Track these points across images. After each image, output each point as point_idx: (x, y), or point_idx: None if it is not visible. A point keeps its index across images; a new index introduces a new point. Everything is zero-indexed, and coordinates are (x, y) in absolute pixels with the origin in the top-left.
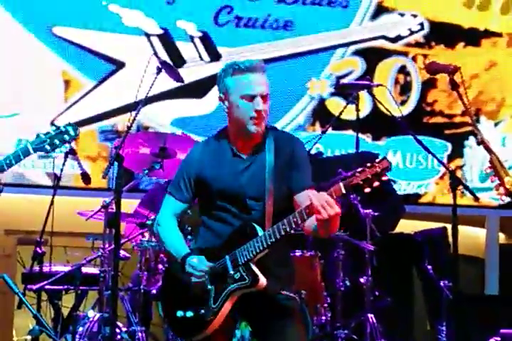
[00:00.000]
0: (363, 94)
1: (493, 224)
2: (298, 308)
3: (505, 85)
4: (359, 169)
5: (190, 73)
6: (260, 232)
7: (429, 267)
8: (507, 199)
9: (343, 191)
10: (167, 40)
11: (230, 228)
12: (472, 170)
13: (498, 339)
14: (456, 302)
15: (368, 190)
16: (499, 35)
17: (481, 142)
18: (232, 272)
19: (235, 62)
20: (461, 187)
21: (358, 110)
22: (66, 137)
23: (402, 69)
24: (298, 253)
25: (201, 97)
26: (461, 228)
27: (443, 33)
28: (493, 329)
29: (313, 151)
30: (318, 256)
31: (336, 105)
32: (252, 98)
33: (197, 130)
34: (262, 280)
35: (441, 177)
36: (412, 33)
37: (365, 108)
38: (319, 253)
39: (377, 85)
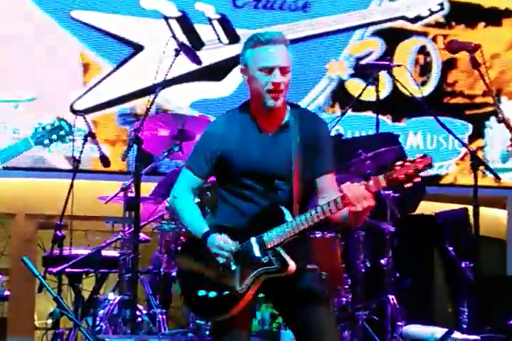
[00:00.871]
0: (383, 75)
1: None
2: (325, 289)
3: None
4: (399, 163)
5: (209, 55)
6: (288, 216)
7: (451, 248)
8: None
9: (384, 184)
10: (185, 22)
11: (255, 207)
12: (493, 151)
13: None
14: (478, 284)
15: (408, 185)
16: None
17: (502, 120)
18: (259, 255)
19: (256, 34)
20: (482, 167)
21: (377, 91)
22: (62, 133)
23: (422, 50)
24: (318, 234)
25: (220, 80)
26: (482, 209)
27: (463, 13)
28: None
29: (332, 133)
30: (338, 238)
31: (355, 86)
32: (269, 70)
33: (216, 112)
34: (292, 266)
35: (462, 158)
36: (431, 13)
37: (385, 89)
38: (339, 234)
39: (397, 65)
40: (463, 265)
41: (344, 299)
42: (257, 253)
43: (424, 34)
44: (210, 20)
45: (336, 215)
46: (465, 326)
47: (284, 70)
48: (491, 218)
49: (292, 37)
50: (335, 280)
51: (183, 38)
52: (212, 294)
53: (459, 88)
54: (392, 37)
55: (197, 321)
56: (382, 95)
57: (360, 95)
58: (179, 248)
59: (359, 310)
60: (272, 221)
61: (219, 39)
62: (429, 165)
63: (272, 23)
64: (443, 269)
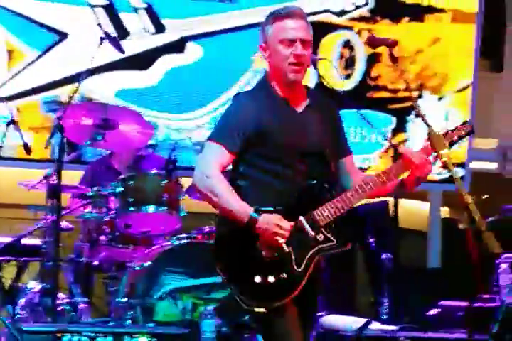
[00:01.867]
0: (308, 68)
1: (436, 199)
2: None
3: (448, 61)
4: (442, 131)
5: (135, 45)
6: (334, 192)
7: (371, 240)
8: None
9: (448, 147)
10: (112, 11)
11: (294, 186)
12: (415, 145)
13: (438, 310)
14: (397, 275)
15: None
16: (442, 10)
17: (418, 114)
18: (313, 234)
19: (276, 10)
20: None
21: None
22: None
23: (347, 44)
24: None
25: (146, 69)
26: (405, 202)
27: (388, 8)
28: (434, 302)
29: None
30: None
31: None
32: (291, 43)
33: (141, 102)
34: (350, 241)
35: (385, 151)
36: (357, 7)
37: (310, 82)
38: None
39: (321, 59)
40: (383, 256)
41: None
42: (311, 231)
43: (349, 28)
44: (136, 9)
45: (384, 187)
46: (385, 316)
47: (306, 44)
48: (414, 210)
49: (218, 28)
50: None
51: (109, 27)
52: (271, 279)
53: (382, 82)
54: (318, 30)
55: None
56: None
57: None
58: (102, 237)
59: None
60: (315, 198)
61: (145, 28)
62: (472, 132)
63: (199, 13)
64: (364, 260)
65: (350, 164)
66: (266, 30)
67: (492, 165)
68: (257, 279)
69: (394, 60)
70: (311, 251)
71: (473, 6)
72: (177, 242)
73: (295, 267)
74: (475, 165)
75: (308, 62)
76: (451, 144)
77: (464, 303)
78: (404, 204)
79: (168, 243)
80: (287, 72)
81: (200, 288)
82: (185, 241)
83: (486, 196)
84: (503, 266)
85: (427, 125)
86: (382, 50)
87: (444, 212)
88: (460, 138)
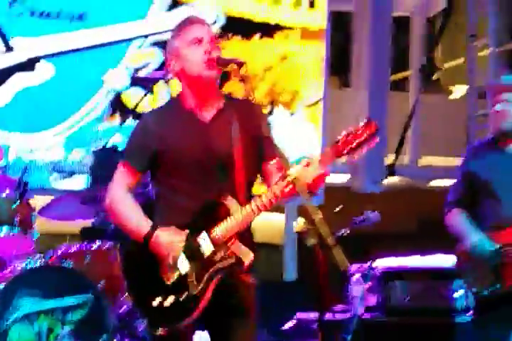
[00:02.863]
0: (161, 86)
1: (292, 211)
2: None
3: (297, 77)
4: (344, 133)
5: None
6: (235, 208)
7: None
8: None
9: (334, 158)
10: None
11: (200, 202)
12: None
13: (295, 322)
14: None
15: (356, 157)
16: (291, 28)
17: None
18: (210, 252)
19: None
20: None
21: (154, 101)
22: None
23: None
24: (95, 245)
25: None
26: (260, 215)
27: (238, 26)
28: (291, 314)
29: (111, 143)
30: (117, 247)
31: (134, 96)
32: (199, 42)
33: None
34: (248, 259)
35: None
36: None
37: (163, 99)
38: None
39: (172, 78)
40: None
41: (124, 307)
42: (208, 250)
43: None
44: None
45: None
46: None
47: (212, 41)
48: (269, 223)
49: (69, 47)
50: (114, 289)
51: None
52: (170, 300)
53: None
54: None
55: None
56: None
57: (137, 105)
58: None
59: (138, 318)
60: (217, 215)
61: None
62: (377, 132)
63: (49, 31)
64: None
65: (272, 169)
66: (173, 44)
67: (343, 178)
68: (156, 302)
69: (242, 79)
70: (210, 271)
71: (321, 23)
72: (31, 264)
73: (193, 288)
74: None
75: (225, 61)
76: (349, 153)
77: (318, 315)
78: (259, 217)
79: (22, 265)
80: (201, 71)
81: (56, 310)
82: (39, 262)
83: (340, 206)
84: (355, 276)
85: (275, 145)
86: (232, 67)
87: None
88: (360, 144)
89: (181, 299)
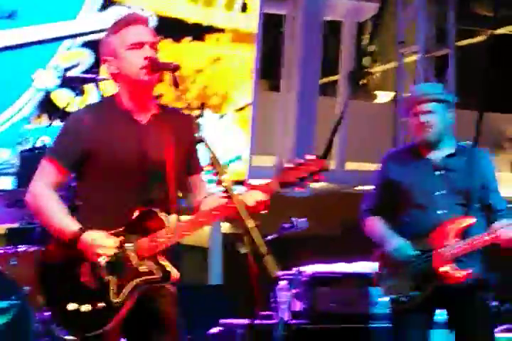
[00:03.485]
0: (91, 87)
1: None
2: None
3: (228, 79)
4: (290, 165)
5: None
6: (167, 221)
7: None
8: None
9: (279, 189)
10: None
11: (127, 207)
12: None
13: (220, 328)
14: (179, 293)
15: (301, 189)
16: (222, 30)
17: (200, 140)
18: (136, 264)
19: (114, 22)
20: None
21: (84, 102)
22: None
23: None
24: (21, 248)
25: None
26: (184, 217)
27: (170, 27)
28: (216, 319)
29: (38, 144)
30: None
31: (63, 97)
32: (140, 46)
33: None
34: (175, 275)
35: None
36: None
37: (93, 100)
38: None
39: (104, 79)
40: None
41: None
42: (135, 261)
43: None
44: None
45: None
46: None
47: (154, 46)
48: None
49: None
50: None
51: None
52: (85, 307)
53: (164, 101)
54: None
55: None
56: None
57: (66, 106)
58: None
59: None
60: (148, 225)
61: None
62: (324, 168)
63: None
64: None
65: (197, 182)
66: (109, 42)
67: None
68: (71, 306)
69: (176, 84)
70: (132, 282)
71: (253, 26)
72: None
73: (112, 297)
74: (255, 183)
75: (160, 65)
76: (302, 179)
77: (244, 321)
78: (183, 219)
79: None
80: (140, 76)
81: None
82: None
83: (264, 211)
84: (282, 283)
85: (210, 150)
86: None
87: (225, 227)
88: (311, 174)
89: (99, 307)
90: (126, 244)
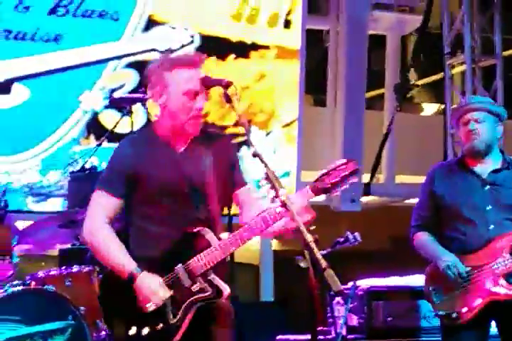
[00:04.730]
0: (138, 107)
1: None
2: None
3: (273, 96)
4: (324, 171)
5: None
6: (213, 239)
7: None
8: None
9: (312, 195)
10: None
11: (173, 231)
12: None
13: None
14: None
15: (337, 193)
16: (266, 47)
17: (255, 154)
18: (189, 284)
19: (171, 56)
20: None
21: (132, 123)
22: None
23: None
24: (75, 269)
25: None
26: None
27: (214, 46)
28: (269, 335)
29: (87, 165)
30: (96, 271)
31: (110, 118)
32: (194, 95)
33: None
34: (226, 291)
35: None
36: (182, 46)
37: (140, 121)
38: (97, 267)
39: (150, 98)
40: None
41: (104, 332)
42: (187, 282)
43: None
44: None
45: (268, 230)
46: None
47: (203, 94)
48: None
49: (45, 68)
50: (93, 314)
51: None
52: (145, 331)
53: (211, 119)
54: (146, 69)
55: None
56: (137, 127)
57: (114, 127)
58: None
59: None
60: (195, 245)
61: None
62: (356, 171)
63: (23, 54)
64: None
65: (245, 196)
66: (162, 75)
67: (320, 198)
68: (132, 331)
69: (228, 99)
70: (186, 302)
71: (296, 42)
72: (11, 289)
73: (170, 318)
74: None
75: (213, 82)
76: (334, 185)
77: (303, 337)
78: (226, 236)
79: (2, 290)
80: (187, 125)
81: (35, 335)
82: (19, 288)
83: (313, 227)
84: (337, 298)
85: (264, 164)
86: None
87: (274, 244)
88: (344, 178)
89: (158, 328)
90: (179, 266)
